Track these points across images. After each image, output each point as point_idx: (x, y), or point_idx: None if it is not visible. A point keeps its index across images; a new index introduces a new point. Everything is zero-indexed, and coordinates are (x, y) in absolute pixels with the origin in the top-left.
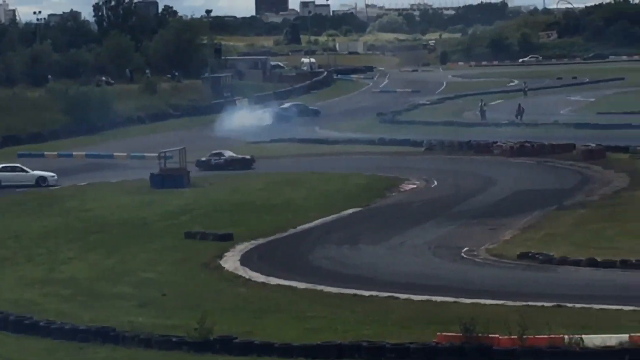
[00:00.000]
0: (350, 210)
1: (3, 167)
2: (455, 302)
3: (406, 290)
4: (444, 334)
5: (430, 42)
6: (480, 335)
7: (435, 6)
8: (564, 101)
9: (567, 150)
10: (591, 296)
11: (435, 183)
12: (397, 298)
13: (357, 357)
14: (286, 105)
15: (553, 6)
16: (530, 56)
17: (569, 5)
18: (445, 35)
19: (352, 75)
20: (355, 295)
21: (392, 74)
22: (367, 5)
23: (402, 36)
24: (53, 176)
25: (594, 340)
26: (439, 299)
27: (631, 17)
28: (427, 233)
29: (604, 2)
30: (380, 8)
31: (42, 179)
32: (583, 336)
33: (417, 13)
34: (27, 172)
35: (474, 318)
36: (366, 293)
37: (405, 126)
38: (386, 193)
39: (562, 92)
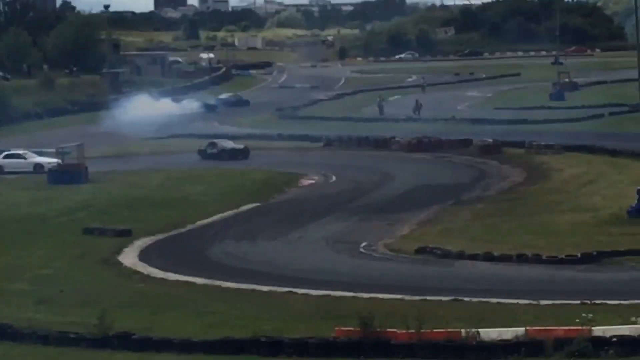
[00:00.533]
0: (248, 206)
1: (7, 155)
2: (353, 296)
3: (304, 285)
4: (342, 328)
5: (328, 37)
6: (378, 329)
7: (333, 2)
8: (462, 97)
9: (465, 146)
10: (488, 290)
11: (334, 178)
12: (296, 293)
13: (256, 353)
14: (224, 96)
15: (451, 2)
16: (406, 52)
17: (467, 2)
18: (344, 31)
19: (251, 71)
20: (253, 290)
21: (290, 69)
22: (265, 1)
23: (300, 32)
24: (49, 163)
25: (490, 333)
26: (337, 293)
27: (527, 13)
28: (326, 228)
29: None
30: (279, 4)
31: (39, 165)
32: (480, 330)
33: (315, 9)
34: (25, 159)
35: (372, 313)
36: (265, 288)
37: (304, 122)
38: (285, 188)
39: (459, 88)
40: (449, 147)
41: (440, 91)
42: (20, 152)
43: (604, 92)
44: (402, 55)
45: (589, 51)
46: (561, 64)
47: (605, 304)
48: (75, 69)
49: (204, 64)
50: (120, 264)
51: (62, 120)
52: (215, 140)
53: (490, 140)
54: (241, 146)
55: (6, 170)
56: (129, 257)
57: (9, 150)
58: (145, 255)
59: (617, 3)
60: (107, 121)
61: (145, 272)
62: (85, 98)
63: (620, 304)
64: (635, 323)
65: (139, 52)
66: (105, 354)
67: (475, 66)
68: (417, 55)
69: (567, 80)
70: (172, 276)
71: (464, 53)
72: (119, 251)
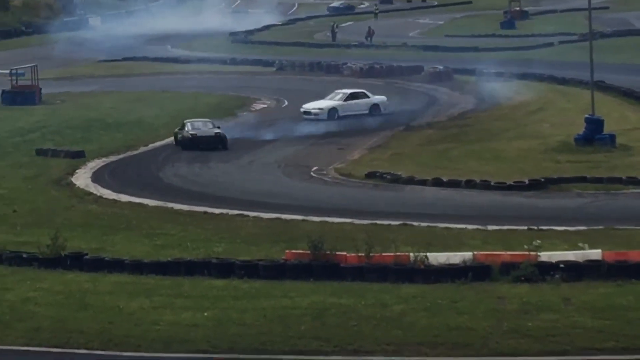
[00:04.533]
0: None
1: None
2: (303, 220)
3: (256, 208)
4: (293, 251)
5: None
6: (327, 252)
7: None
8: (414, 24)
9: (416, 72)
10: (436, 215)
11: (286, 102)
12: (247, 216)
13: (207, 274)
14: None
15: None
16: None
17: None
18: None
19: None
20: (205, 212)
21: None
22: None
23: None
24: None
25: (438, 257)
26: (288, 217)
27: None
28: (277, 152)
29: None
30: None
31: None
32: (428, 254)
33: None
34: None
35: (322, 236)
36: (216, 211)
37: (257, 46)
38: (237, 112)
39: (411, 15)
40: (400, 74)
41: (393, 18)
42: None
43: (554, 20)
44: None
45: None
46: None
47: (552, 229)
48: None
49: None
50: (73, 185)
51: (16, 42)
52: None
53: (441, 67)
54: (217, 130)
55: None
56: (82, 179)
57: None
58: (97, 177)
59: None
60: (60, 43)
61: (98, 194)
62: (39, 20)
63: (566, 230)
64: (581, 249)
65: None
66: (57, 273)
67: None
68: None
69: (517, 8)
70: (124, 197)
71: None
72: (72, 172)
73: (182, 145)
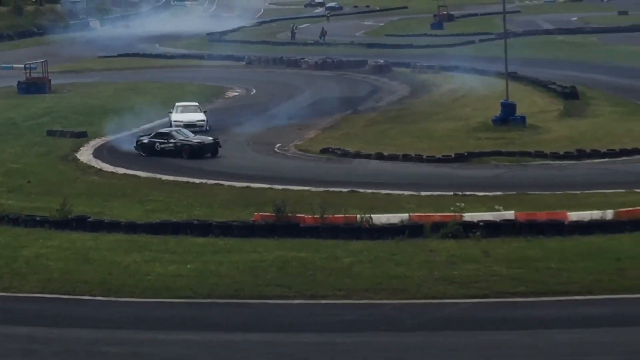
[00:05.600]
0: None
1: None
2: (269, 188)
3: (229, 178)
4: (260, 214)
5: None
6: (289, 215)
7: None
8: (359, 25)
9: (361, 66)
10: (378, 183)
11: (254, 91)
12: (222, 185)
13: (189, 233)
14: None
15: None
16: None
17: None
18: None
19: (187, 2)
20: (187, 182)
21: (219, 1)
22: None
23: None
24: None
25: (380, 218)
26: (256, 185)
27: None
28: (247, 132)
29: None
30: None
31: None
32: (372, 215)
33: None
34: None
35: (284, 201)
36: (197, 181)
37: (230, 44)
38: (213, 99)
39: (357, 18)
40: (348, 67)
41: (342, 20)
42: None
43: (475, 22)
44: None
45: None
46: None
47: (474, 195)
48: None
49: None
50: (78, 160)
51: (29, 41)
52: (167, 130)
53: (382, 61)
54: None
55: None
56: (85, 155)
57: None
58: (98, 153)
59: None
60: (66, 42)
61: (98, 167)
62: (49, 23)
63: (485, 195)
64: (497, 210)
65: None
66: (65, 233)
67: (370, 1)
68: None
69: (445, 12)
70: (120, 170)
71: None
72: (76, 149)
73: (189, 154)
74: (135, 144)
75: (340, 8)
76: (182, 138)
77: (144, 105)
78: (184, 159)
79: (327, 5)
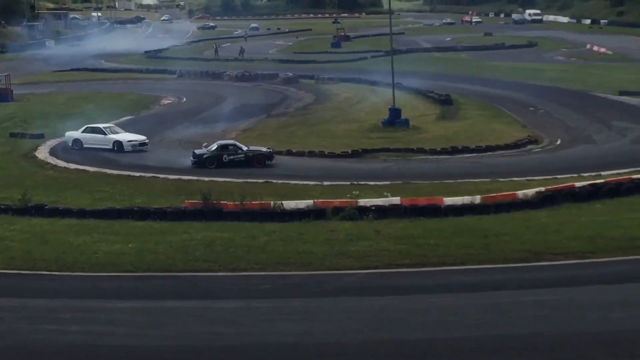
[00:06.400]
0: (126, 117)
1: (86, 128)
2: (197, 179)
3: (164, 172)
4: (190, 201)
5: (181, 2)
6: (214, 202)
7: None
8: (272, 44)
9: (273, 78)
10: (288, 175)
11: (185, 99)
12: (158, 177)
13: (131, 218)
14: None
15: None
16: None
17: None
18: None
19: (128, 25)
20: (129, 175)
21: (155, 24)
22: None
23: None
24: (130, 141)
25: (290, 204)
26: (186, 177)
27: None
28: (179, 133)
29: None
30: None
31: (118, 143)
32: (283, 202)
33: None
34: (105, 134)
35: (210, 190)
36: (137, 174)
37: (164, 60)
38: (150, 106)
39: (270, 38)
40: (262, 79)
41: (257, 40)
42: None
43: (367, 42)
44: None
45: (357, 14)
46: (338, 22)
47: (367, 184)
48: (2, 22)
49: (94, 20)
50: (36, 157)
51: None
52: (230, 142)
53: (291, 74)
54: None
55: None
56: (42, 153)
57: None
58: (53, 152)
59: None
60: (26, 59)
61: (54, 163)
62: (10, 42)
63: (376, 184)
64: (386, 197)
65: (48, 10)
66: (25, 219)
67: (281, 24)
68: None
69: (342, 34)
70: (72, 166)
71: (275, 14)
72: (35, 149)
73: (262, 163)
74: (195, 159)
75: (257, 28)
76: (248, 149)
77: (91, 111)
78: (257, 167)
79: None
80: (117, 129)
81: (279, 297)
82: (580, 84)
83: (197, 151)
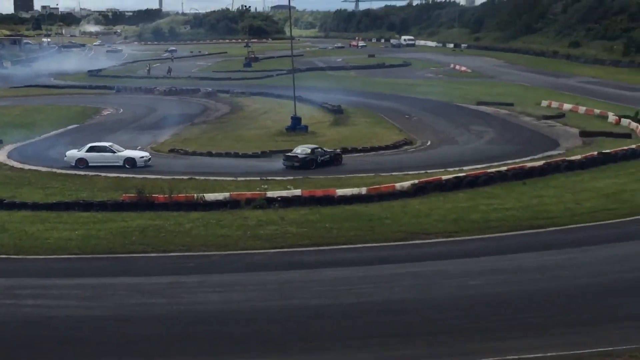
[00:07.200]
0: (72, 126)
1: (91, 147)
2: (132, 177)
3: (105, 170)
4: (127, 195)
5: (118, 30)
6: (147, 195)
7: (121, 9)
8: (194, 65)
9: (196, 92)
10: (209, 172)
11: (122, 110)
12: (100, 175)
13: (77, 209)
14: None
15: (187, 10)
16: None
17: (196, 11)
18: (127, 27)
19: (73, 49)
20: (75, 174)
21: (95, 49)
22: (80, 9)
23: (97, 27)
24: (142, 157)
25: (210, 196)
26: (124, 175)
27: (231, 19)
28: (117, 138)
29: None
30: (88, 10)
31: (131, 160)
32: (204, 194)
33: (109, 13)
34: (114, 152)
35: (144, 185)
36: (82, 173)
37: (104, 78)
38: (93, 116)
39: (193, 59)
40: (187, 93)
41: (182, 61)
42: None
43: (273, 62)
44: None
45: (264, 40)
46: (249, 46)
47: (274, 179)
48: None
49: (45, 44)
50: None
51: None
52: (317, 146)
53: (210, 89)
54: (336, 150)
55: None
56: (1, 156)
57: None
58: (11, 155)
59: (282, 13)
60: None
61: (11, 164)
62: None
63: (281, 179)
64: (289, 189)
65: (5, 36)
66: None
67: (202, 47)
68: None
69: (253, 55)
70: (27, 166)
71: (197, 40)
72: None
73: (340, 162)
74: (298, 163)
75: (175, 50)
76: (331, 151)
77: (42, 121)
78: (336, 166)
79: (170, 49)
80: (118, 146)
81: (202, 273)
82: (446, 96)
83: (300, 155)
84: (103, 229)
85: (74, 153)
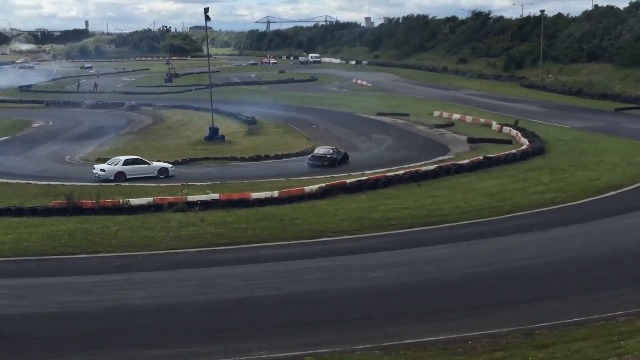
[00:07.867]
0: (4, 137)
1: (126, 161)
2: (62, 184)
3: (36, 179)
4: (57, 201)
5: (46, 49)
6: (75, 201)
7: (49, 29)
8: (120, 80)
9: (121, 106)
10: (134, 178)
11: (51, 123)
12: (30, 183)
13: (10, 215)
14: None
15: (112, 30)
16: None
17: (120, 31)
18: (55, 46)
19: (4, 66)
20: (7, 182)
21: (25, 65)
22: (11, 29)
23: (28, 46)
24: (172, 167)
25: (136, 201)
26: (53, 183)
27: (154, 39)
28: (48, 148)
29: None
30: (19, 30)
31: (165, 170)
32: (130, 199)
33: (39, 33)
34: (149, 163)
35: (72, 192)
36: (13, 181)
37: (34, 93)
38: (24, 128)
39: (118, 75)
40: (112, 107)
41: (108, 77)
42: None
43: (192, 78)
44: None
45: (184, 57)
46: (170, 64)
47: (194, 184)
48: None
49: None
50: None
51: None
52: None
53: (134, 102)
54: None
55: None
56: None
57: None
58: None
59: (200, 33)
60: None
61: None
62: None
63: (201, 184)
64: (208, 194)
65: None
66: None
67: (126, 64)
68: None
69: (173, 72)
70: None
71: (121, 58)
72: None
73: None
74: (322, 162)
75: (91, 67)
76: (342, 152)
77: None
78: (346, 163)
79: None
80: (145, 159)
81: (127, 272)
82: (349, 108)
83: (328, 155)
84: (34, 232)
85: (112, 167)
